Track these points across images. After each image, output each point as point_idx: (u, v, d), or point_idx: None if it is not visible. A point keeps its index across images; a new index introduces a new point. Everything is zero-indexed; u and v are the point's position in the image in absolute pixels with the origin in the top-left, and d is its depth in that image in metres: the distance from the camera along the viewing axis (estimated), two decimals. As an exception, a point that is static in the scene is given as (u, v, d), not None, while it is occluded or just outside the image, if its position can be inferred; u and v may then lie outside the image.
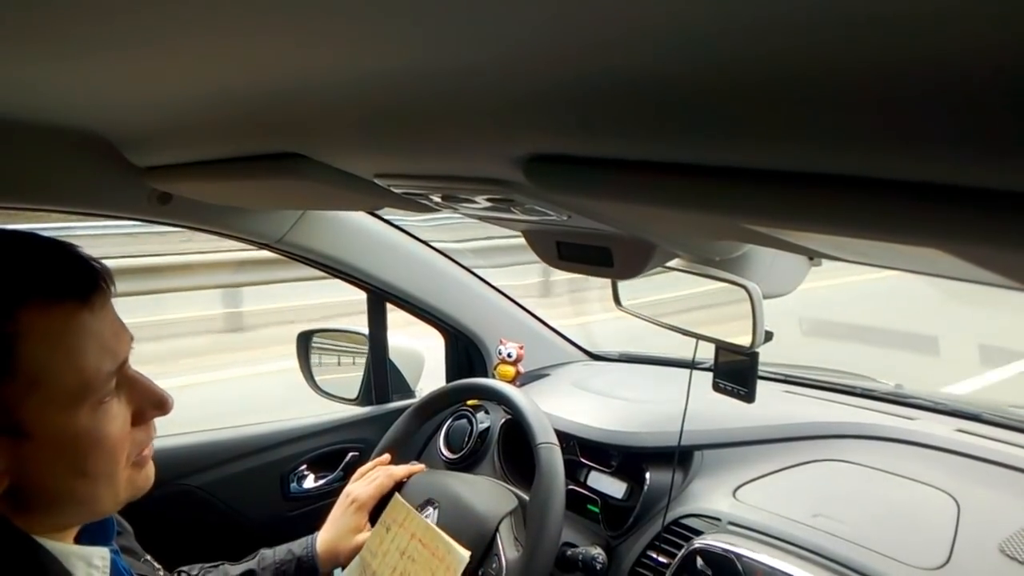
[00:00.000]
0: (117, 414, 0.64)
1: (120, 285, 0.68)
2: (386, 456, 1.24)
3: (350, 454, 1.50)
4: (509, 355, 1.51)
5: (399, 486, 1.18)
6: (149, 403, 0.68)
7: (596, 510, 1.23)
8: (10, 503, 0.61)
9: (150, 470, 0.70)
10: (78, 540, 0.69)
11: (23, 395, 0.58)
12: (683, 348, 1.12)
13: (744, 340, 0.93)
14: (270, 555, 1.06)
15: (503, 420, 1.41)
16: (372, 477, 1.17)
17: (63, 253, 0.63)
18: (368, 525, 1.12)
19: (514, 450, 1.36)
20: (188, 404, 0.95)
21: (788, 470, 1.13)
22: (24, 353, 0.57)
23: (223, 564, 1.04)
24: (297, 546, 1.07)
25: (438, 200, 0.76)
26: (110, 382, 0.63)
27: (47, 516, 0.64)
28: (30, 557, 0.61)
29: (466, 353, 1.66)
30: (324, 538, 1.09)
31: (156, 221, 1.20)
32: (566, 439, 1.23)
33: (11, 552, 0.61)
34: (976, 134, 0.28)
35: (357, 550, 1.09)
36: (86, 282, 0.62)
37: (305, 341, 1.63)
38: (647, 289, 1.03)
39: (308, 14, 0.32)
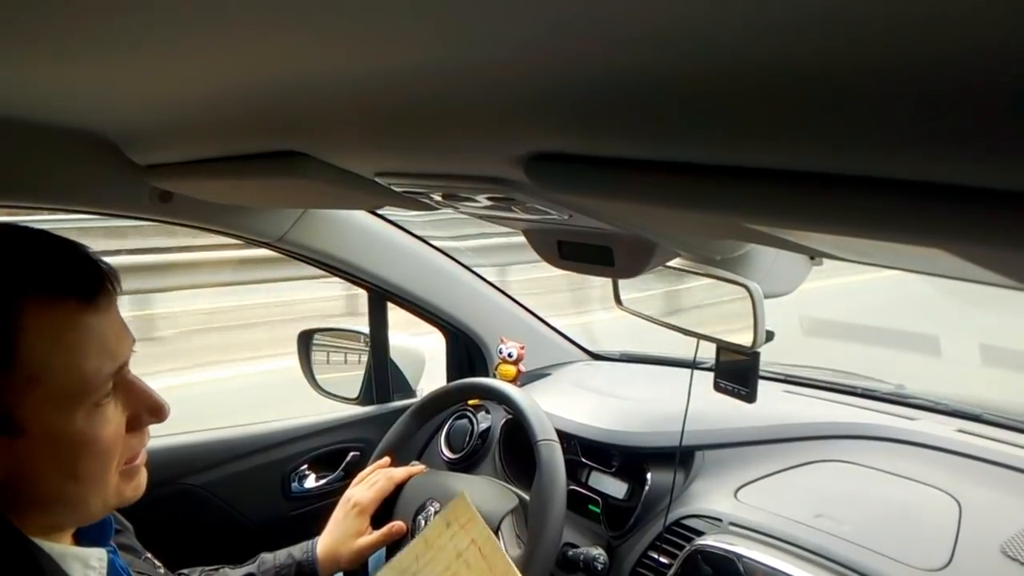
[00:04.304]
0: (112, 418, 0.63)
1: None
2: (386, 459, 1.24)
3: (351, 454, 1.50)
4: (510, 354, 1.51)
5: (400, 488, 1.18)
6: (145, 408, 0.67)
7: (597, 510, 1.23)
8: (3, 501, 0.61)
9: (141, 480, 0.69)
10: (76, 540, 0.69)
11: (21, 391, 0.57)
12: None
13: (743, 339, 0.92)
14: (270, 559, 1.05)
15: (504, 420, 1.41)
16: (372, 481, 1.17)
17: (70, 252, 0.63)
18: (370, 529, 1.11)
19: (515, 450, 1.36)
20: None
21: (789, 470, 1.13)
22: (24, 349, 0.57)
23: (223, 567, 1.04)
24: (297, 550, 1.06)
25: (439, 199, 0.76)
26: (108, 384, 0.62)
27: (38, 516, 0.64)
28: (27, 558, 0.61)
29: (467, 352, 1.66)
30: (325, 543, 1.08)
31: (157, 220, 1.20)
32: (567, 439, 1.23)
33: (8, 553, 0.60)
34: (977, 134, 0.27)
35: (358, 554, 1.08)
36: (91, 282, 0.62)
37: (306, 340, 1.63)
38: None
39: (310, 13, 0.32)
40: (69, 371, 0.59)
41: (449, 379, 1.66)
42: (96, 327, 0.61)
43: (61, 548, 0.65)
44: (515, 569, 0.92)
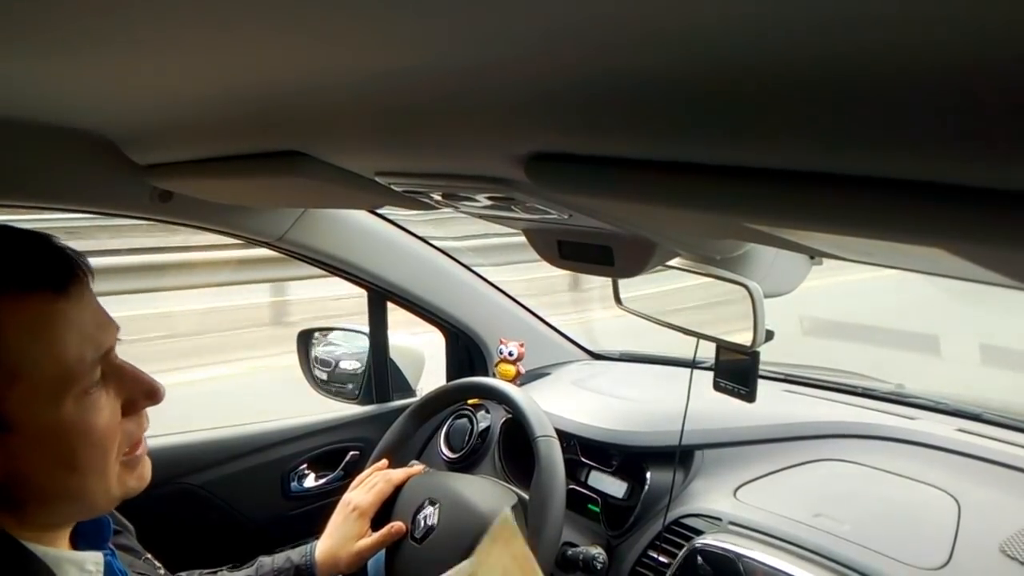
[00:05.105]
0: (104, 405, 0.63)
1: None
2: (384, 461, 1.24)
3: (350, 453, 1.50)
4: (510, 354, 1.50)
5: (399, 488, 1.18)
6: (139, 392, 0.66)
7: (597, 510, 1.23)
8: (3, 501, 0.60)
9: (144, 470, 0.69)
10: (74, 542, 0.68)
11: (4, 388, 0.57)
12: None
13: (743, 339, 0.92)
14: (268, 562, 1.05)
15: (503, 419, 1.41)
16: (371, 483, 1.17)
17: (37, 244, 0.62)
18: (369, 531, 1.11)
19: (515, 449, 1.36)
20: None
21: (789, 470, 1.13)
22: (1, 346, 0.57)
23: (221, 570, 1.04)
24: (296, 554, 1.06)
25: (439, 198, 0.76)
26: (94, 371, 0.62)
27: (39, 514, 0.63)
28: (20, 564, 0.60)
29: (467, 352, 1.66)
30: (324, 546, 1.08)
31: (157, 219, 1.20)
32: (567, 438, 1.23)
33: (1, 560, 0.60)
34: (977, 134, 0.27)
35: (358, 557, 1.08)
36: (61, 272, 0.61)
37: (305, 339, 1.63)
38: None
39: (310, 14, 0.32)
40: (49, 362, 0.59)
41: (449, 379, 1.66)
42: (72, 315, 0.60)
43: (56, 553, 0.64)
44: None
